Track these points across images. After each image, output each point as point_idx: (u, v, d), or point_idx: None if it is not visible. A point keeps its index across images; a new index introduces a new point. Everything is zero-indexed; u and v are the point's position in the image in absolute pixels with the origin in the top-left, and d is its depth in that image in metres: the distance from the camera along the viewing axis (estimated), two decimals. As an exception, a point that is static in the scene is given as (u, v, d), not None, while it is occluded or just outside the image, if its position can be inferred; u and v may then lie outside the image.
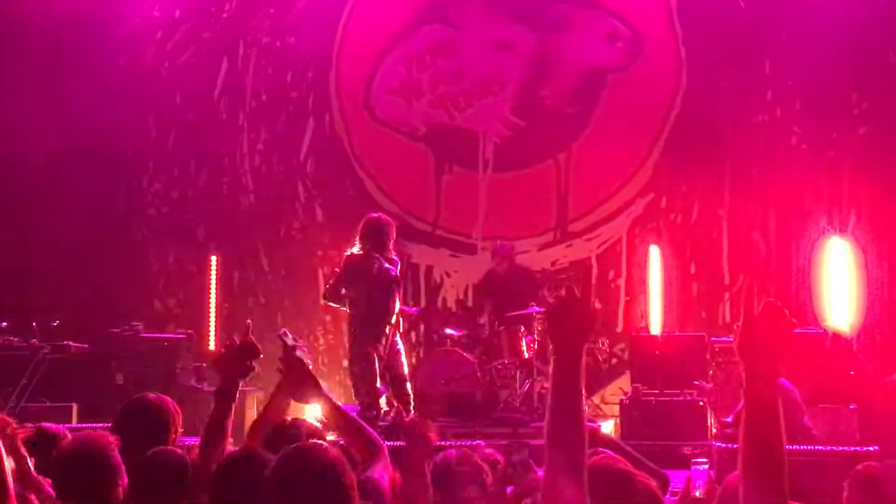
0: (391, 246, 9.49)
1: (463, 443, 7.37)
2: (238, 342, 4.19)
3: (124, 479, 3.92)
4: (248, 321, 4.68)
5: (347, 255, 9.53)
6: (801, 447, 7.09)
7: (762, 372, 2.63)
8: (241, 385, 4.22)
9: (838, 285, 10.76)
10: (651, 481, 3.67)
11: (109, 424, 4.64)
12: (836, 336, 9.89)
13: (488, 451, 4.97)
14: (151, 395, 4.73)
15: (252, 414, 9.89)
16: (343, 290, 9.42)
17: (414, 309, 10.81)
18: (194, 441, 6.54)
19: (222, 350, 4.28)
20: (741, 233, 11.69)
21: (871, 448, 7.19)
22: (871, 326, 10.34)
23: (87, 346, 10.38)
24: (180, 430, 4.59)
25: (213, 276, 11.49)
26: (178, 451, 4.09)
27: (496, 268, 10.87)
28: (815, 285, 11.05)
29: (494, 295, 10.71)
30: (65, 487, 3.85)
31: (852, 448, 7.41)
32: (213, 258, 11.57)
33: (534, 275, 11.31)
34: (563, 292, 2.72)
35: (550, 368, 2.74)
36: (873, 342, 9.84)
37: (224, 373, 4.18)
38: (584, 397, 2.75)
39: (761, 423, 2.63)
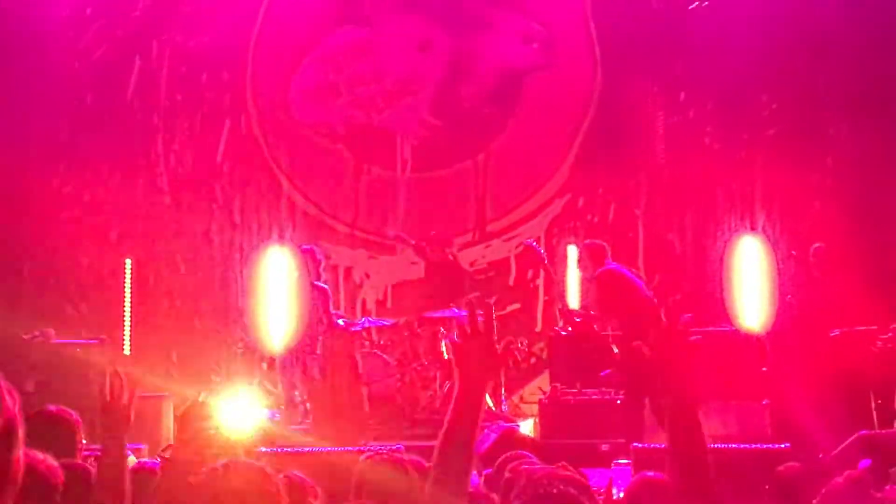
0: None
1: (384, 445, 7.36)
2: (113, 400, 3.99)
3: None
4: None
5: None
6: (716, 445, 7.21)
7: (673, 387, 2.69)
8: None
9: (751, 283, 10.95)
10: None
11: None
12: (749, 334, 10.08)
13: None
14: (53, 408, 4.63)
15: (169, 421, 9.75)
16: None
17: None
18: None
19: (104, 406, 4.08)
20: (657, 232, 11.86)
21: (782, 445, 7.33)
22: (782, 323, 10.55)
23: (-5, 351, 10.11)
24: (84, 441, 4.51)
25: (128, 279, 11.26)
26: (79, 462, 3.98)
27: (430, 257, 10.85)
28: (727, 284, 11.25)
29: (433, 297, 10.64)
30: None
31: (765, 445, 7.56)
32: (128, 261, 11.35)
33: (476, 279, 11.42)
34: (467, 328, 2.73)
35: (453, 397, 2.76)
36: (784, 339, 10.04)
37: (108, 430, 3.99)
38: (478, 429, 2.79)
39: (684, 431, 2.68)
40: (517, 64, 12.30)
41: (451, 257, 11.02)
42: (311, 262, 10.33)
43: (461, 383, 2.76)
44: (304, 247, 10.70)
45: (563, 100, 12.20)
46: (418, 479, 4.13)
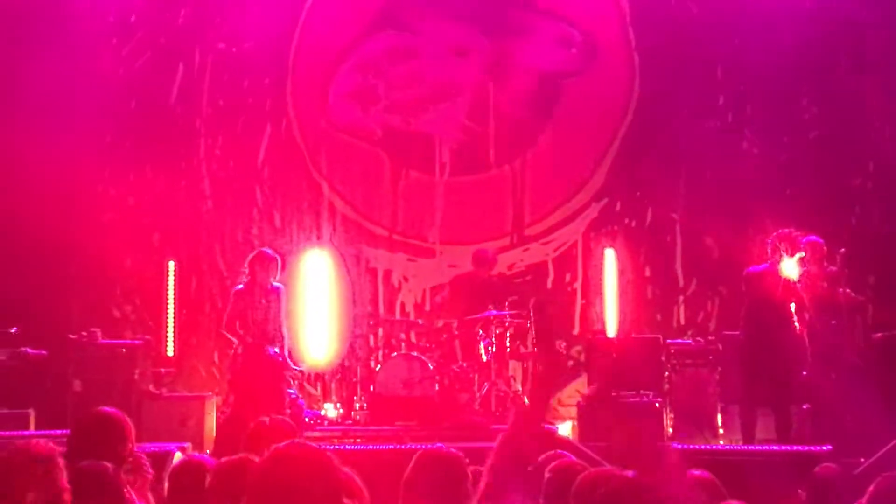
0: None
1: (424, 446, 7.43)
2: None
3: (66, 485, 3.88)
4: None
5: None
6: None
7: None
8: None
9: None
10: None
11: (67, 432, 4.63)
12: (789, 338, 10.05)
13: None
14: (104, 408, 4.74)
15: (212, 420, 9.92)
16: None
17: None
18: (153, 447, 6.55)
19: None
20: (694, 237, 11.86)
21: (823, 448, 7.34)
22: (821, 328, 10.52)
23: (44, 352, 10.31)
24: (134, 441, 4.61)
25: (171, 282, 11.44)
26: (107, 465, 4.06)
27: (478, 273, 10.92)
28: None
29: (472, 300, 10.69)
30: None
31: (805, 448, 7.56)
32: (171, 264, 11.53)
33: (511, 283, 11.49)
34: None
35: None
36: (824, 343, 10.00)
37: None
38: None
39: None
40: (555, 68, 12.36)
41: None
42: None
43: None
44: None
45: (602, 104, 12.23)
46: (470, 478, 4.17)
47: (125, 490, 3.90)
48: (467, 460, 4.05)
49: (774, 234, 9.39)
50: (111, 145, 12.43)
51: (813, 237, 9.66)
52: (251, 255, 10.08)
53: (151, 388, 10.15)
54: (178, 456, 5.39)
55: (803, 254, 9.22)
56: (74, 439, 4.46)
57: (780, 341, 9.08)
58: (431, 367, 10.39)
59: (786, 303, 9.13)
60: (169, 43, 12.50)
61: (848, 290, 9.49)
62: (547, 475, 4.68)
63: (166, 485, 4.62)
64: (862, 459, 7.46)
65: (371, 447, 8.35)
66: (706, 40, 11.84)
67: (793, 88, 11.73)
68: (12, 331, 10.16)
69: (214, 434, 9.84)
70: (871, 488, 3.87)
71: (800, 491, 4.60)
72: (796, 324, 9.10)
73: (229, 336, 9.70)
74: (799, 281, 9.05)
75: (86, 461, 4.00)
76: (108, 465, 3.91)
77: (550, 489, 4.24)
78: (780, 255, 9.16)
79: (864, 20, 11.59)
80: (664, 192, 11.95)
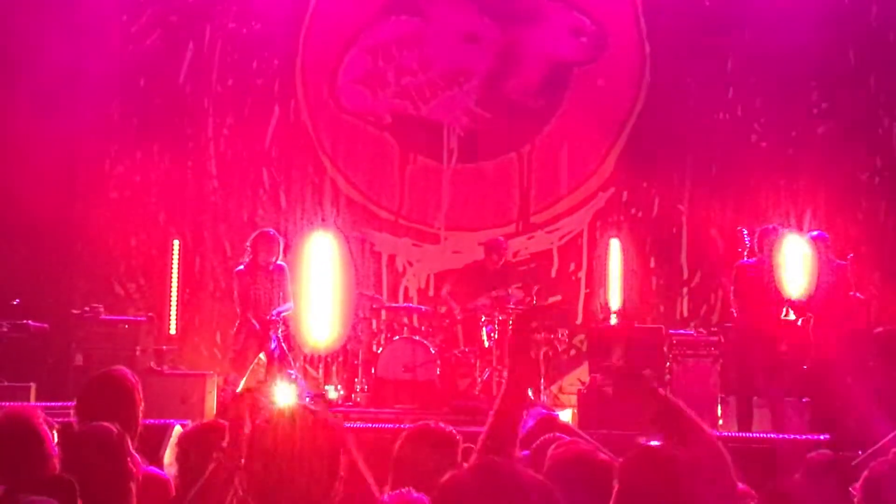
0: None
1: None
2: None
3: (53, 451, 3.86)
4: None
5: None
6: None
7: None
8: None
9: (795, 281, 10.90)
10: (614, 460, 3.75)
11: (72, 403, 4.62)
12: (793, 330, 10.05)
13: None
14: (115, 369, 4.72)
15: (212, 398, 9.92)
16: None
17: None
18: (151, 422, 6.54)
19: None
20: (700, 229, 11.83)
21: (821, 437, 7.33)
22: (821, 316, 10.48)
23: (46, 325, 10.32)
24: (142, 402, 4.59)
25: (175, 261, 11.43)
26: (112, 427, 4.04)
27: (488, 262, 10.90)
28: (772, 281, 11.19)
29: (481, 288, 10.66)
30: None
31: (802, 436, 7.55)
32: (176, 242, 11.53)
33: (518, 270, 11.49)
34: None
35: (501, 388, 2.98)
36: (827, 329, 9.96)
37: None
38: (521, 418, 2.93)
39: None
40: (565, 57, 12.32)
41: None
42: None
43: (509, 375, 2.89)
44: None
45: (611, 94, 12.20)
46: (459, 454, 4.15)
47: (129, 455, 3.87)
48: (459, 437, 4.02)
49: (759, 229, 9.59)
50: (119, 123, 12.44)
51: (820, 232, 9.69)
52: (253, 235, 10.10)
53: (153, 364, 10.15)
54: (177, 429, 5.37)
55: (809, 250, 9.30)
56: (83, 401, 4.43)
57: (771, 333, 9.18)
58: (433, 352, 10.39)
59: (777, 295, 9.24)
60: (179, 21, 12.49)
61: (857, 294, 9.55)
62: (549, 461, 4.64)
63: (169, 453, 4.60)
64: (860, 452, 7.45)
65: (371, 425, 8.34)
66: (717, 32, 11.81)
67: (802, 82, 11.69)
68: (15, 302, 10.18)
69: (215, 412, 9.84)
70: (865, 473, 3.85)
71: (796, 476, 4.60)
72: (791, 315, 9.16)
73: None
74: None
75: (91, 423, 3.98)
76: (113, 427, 3.88)
77: (554, 473, 4.18)
78: (770, 250, 9.30)
79: (875, 15, 11.55)
80: (671, 184, 11.92)
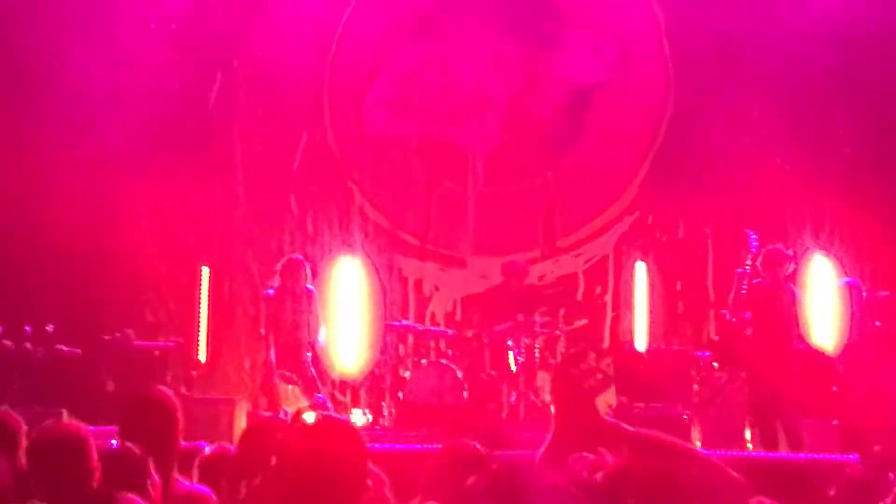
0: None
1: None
2: None
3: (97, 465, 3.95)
4: None
5: None
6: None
7: None
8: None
9: (821, 303, 10.89)
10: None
11: (103, 428, 4.70)
12: (819, 353, 10.03)
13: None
14: (157, 390, 4.82)
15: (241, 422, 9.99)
16: None
17: None
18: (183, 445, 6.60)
19: None
20: (727, 250, 11.81)
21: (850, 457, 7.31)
22: (853, 343, 10.47)
23: (79, 351, 10.43)
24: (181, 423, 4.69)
25: (204, 287, 11.54)
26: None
27: (508, 285, 10.93)
28: (799, 303, 11.17)
29: (503, 311, 10.70)
30: (39, 477, 3.88)
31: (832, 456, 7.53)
32: (205, 269, 11.63)
33: (544, 294, 11.51)
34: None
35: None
36: (856, 359, 9.95)
37: None
38: None
39: None
40: (589, 80, 12.39)
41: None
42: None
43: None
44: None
45: (635, 117, 12.25)
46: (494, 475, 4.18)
47: (149, 477, 3.95)
48: (489, 457, 4.07)
49: (765, 249, 9.51)
50: (148, 151, 12.55)
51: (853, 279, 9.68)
52: (281, 262, 10.25)
53: (183, 390, 10.24)
54: (207, 451, 5.46)
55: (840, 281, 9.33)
56: (126, 421, 4.51)
57: (786, 354, 9.15)
58: (460, 376, 10.41)
59: (792, 315, 9.22)
60: (208, 50, 12.63)
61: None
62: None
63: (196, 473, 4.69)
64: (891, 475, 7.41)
65: (397, 446, 8.38)
66: (741, 54, 11.83)
67: (827, 104, 11.68)
68: (48, 328, 10.29)
69: (240, 438, 9.89)
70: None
71: (830, 492, 4.62)
72: (809, 336, 9.16)
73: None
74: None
75: (125, 443, 4.07)
76: (135, 448, 3.97)
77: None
78: (781, 270, 9.27)
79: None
80: (696, 206, 11.92)
